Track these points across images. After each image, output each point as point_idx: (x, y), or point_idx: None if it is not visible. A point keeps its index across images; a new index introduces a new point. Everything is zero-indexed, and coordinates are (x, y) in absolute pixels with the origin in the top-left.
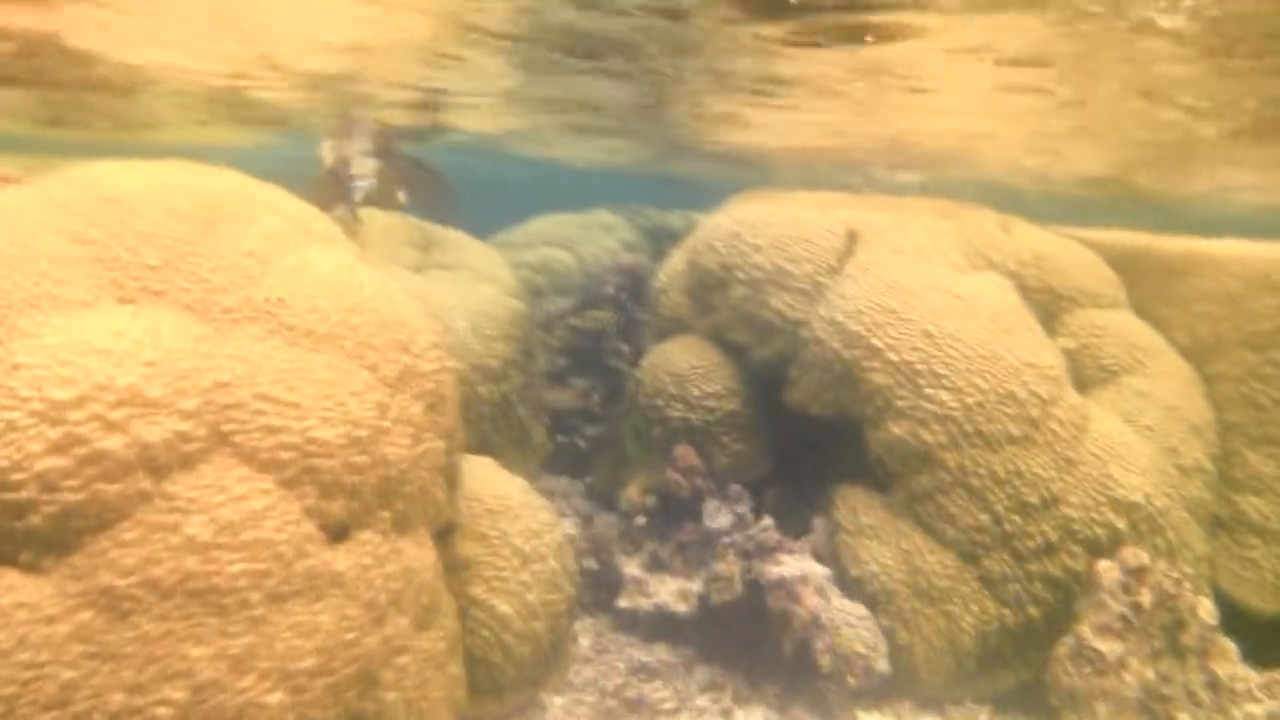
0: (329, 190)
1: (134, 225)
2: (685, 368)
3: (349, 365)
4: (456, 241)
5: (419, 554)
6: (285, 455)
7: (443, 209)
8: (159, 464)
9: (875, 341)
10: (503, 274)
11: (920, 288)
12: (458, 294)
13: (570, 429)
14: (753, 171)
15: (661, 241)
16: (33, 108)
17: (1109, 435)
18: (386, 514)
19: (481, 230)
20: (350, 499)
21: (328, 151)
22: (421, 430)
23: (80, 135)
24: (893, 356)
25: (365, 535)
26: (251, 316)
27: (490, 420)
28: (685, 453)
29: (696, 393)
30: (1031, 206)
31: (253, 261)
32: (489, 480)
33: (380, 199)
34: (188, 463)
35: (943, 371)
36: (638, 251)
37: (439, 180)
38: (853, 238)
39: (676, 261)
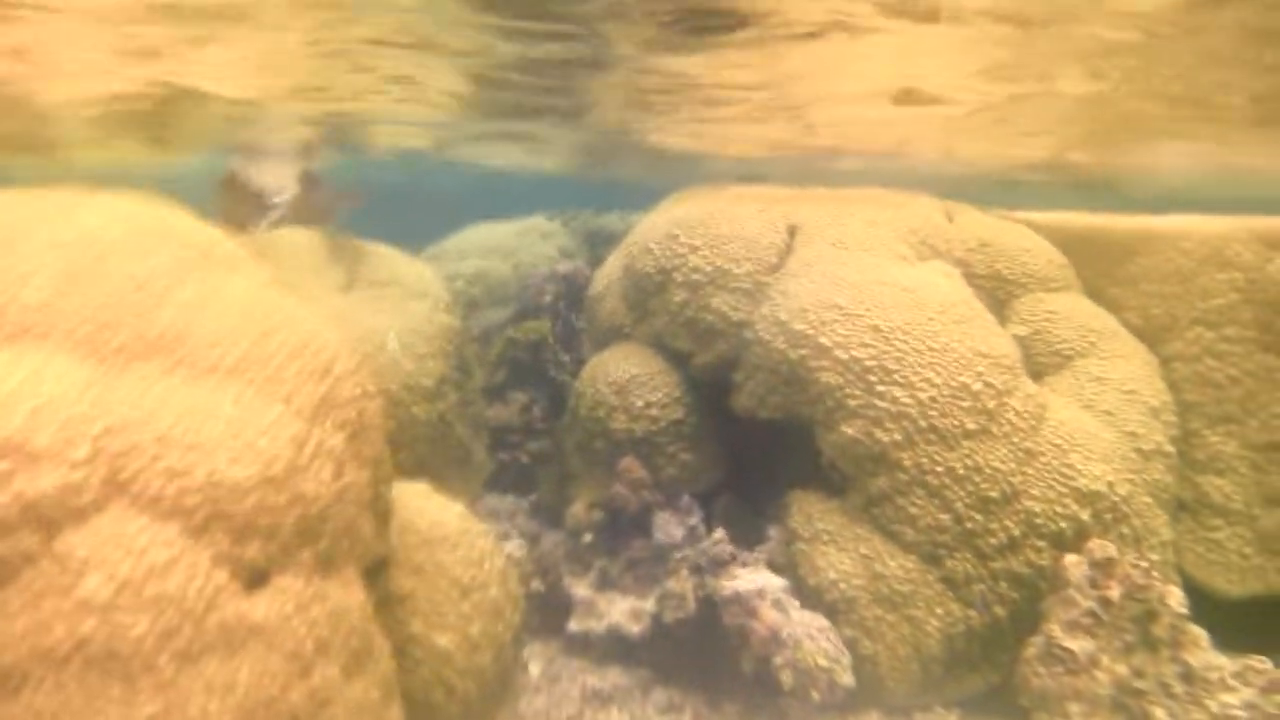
0: (239, 207)
1: (9, 262)
2: (625, 377)
3: (259, 399)
4: (385, 257)
5: (346, 594)
6: (190, 501)
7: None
8: (47, 520)
9: (822, 340)
10: (434, 289)
11: (866, 281)
12: (387, 312)
13: (512, 445)
14: (687, 169)
15: (600, 246)
16: None
17: (1068, 423)
18: (308, 554)
19: (415, 242)
20: (267, 542)
21: (237, 166)
22: (344, 462)
23: None
24: (841, 354)
25: (285, 580)
26: (147, 354)
27: (427, 441)
28: (630, 465)
29: (639, 403)
30: (973, 192)
31: (145, 295)
32: (424, 508)
33: (305, 214)
34: (80, 516)
35: (894, 367)
36: (575, 257)
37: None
38: (793, 233)
39: (612, 267)
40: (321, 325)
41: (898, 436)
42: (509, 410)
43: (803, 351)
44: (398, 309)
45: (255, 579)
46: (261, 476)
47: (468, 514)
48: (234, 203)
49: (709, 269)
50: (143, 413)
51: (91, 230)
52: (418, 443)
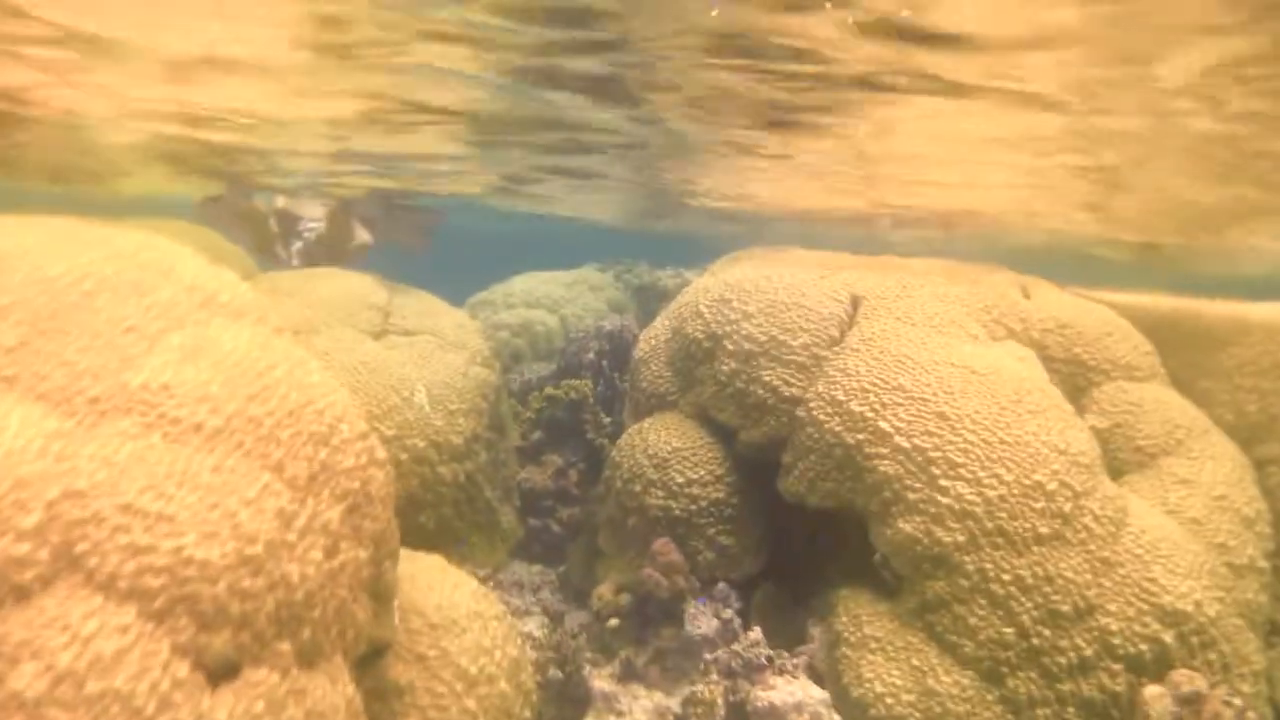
0: (269, 235)
1: None
2: (666, 450)
3: (246, 465)
4: (423, 304)
5: (331, 691)
6: (153, 581)
7: (415, 240)
8: None
9: (882, 424)
10: (473, 340)
11: (933, 362)
12: (418, 362)
13: (544, 511)
14: (745, 226)
15: (652, 302)
16: None
17: (1150, 531)
18: (287, 646)
19: (464, 289)
20: (239, 631)
21: (272, 199)
22: (339, 539)
23: (11, 184)
24: (902, 442)
25: (258, 674)
26: (124, 408)
27: (452, 504)
28: (665, 547)
29: (679, 479)
30: (1049, 267)
31: (134, 339)
32: (434, 586)
33: (334, 245)
34: (23, 595)
35: (960, 459)
36: (625, 312)
37: (415, 215)
38: (856, 304)
39: (659, 329)
40: (330, 382)
41: (961, 537)
42: (543, 473)
43: (860, 436)
44: (431, 360)
45: (222, 673)
46: (238, 556)
47: (483, 593)
48: (264, 230)
49: (762, 338)
50: (110, 475)
51: (83, 265)
52: (442, 505)
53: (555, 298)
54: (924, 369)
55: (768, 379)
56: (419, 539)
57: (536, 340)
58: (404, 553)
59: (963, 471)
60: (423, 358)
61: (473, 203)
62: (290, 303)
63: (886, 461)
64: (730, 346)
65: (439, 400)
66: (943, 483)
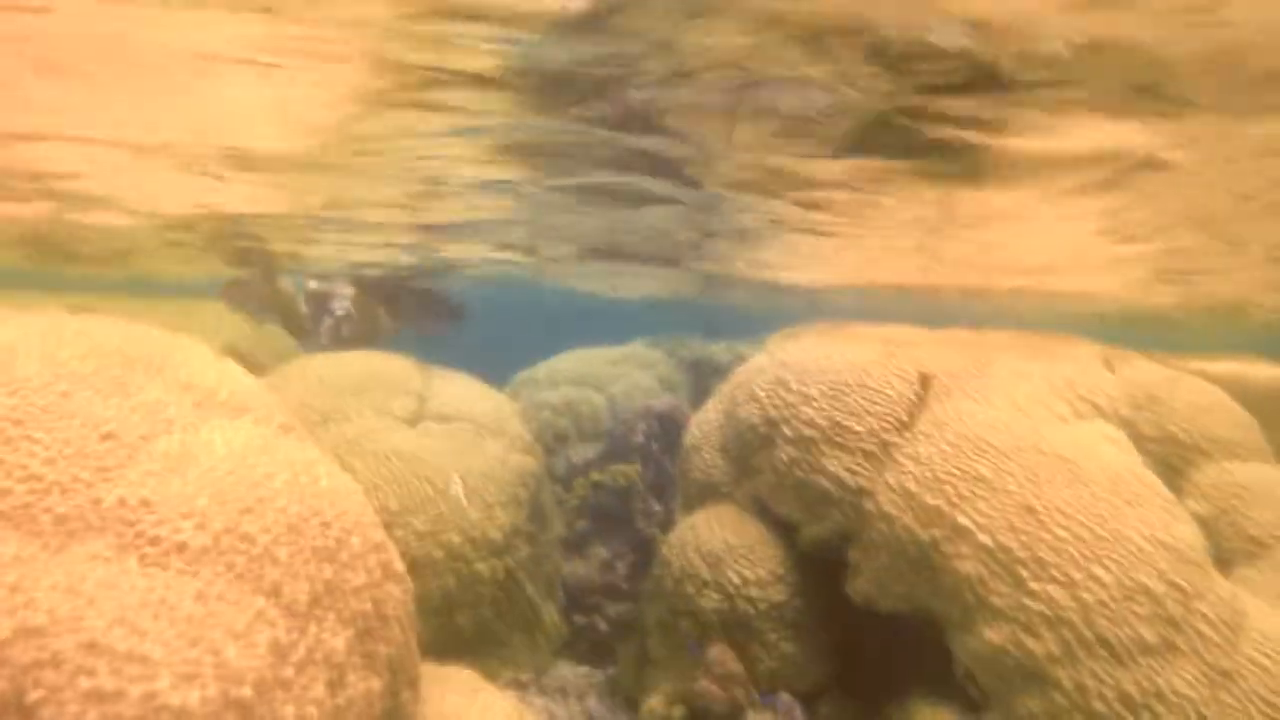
0: (292, 313)
1: None
2: (721, 546)
3: (236, 590)
4: (460, 387)
5: None
6: None
7: (437, 325)
8: None
9: (961, 519)
10: (512, 425)
11: (1015, 447)
12: (455, 451)
13: (590, 608)
14: (802, 300)
15: (705, 377)
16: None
17: (1273, 636)
18: None
19: (510, 368)
20: None
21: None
22: (346, 670)
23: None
24: (984, 539)
25: None
26: (96, 527)
27: (491, 603)
28: (722, 655)
29: (735, 578)
30: (1115, 333)
31: (111, 447)
32: (462, 711)
33: (365, 324)
34: None
35: (1050, 559)
36: (677, 389)
37: (433, 300)
38: (926, 384)
39: (710, 414)
40: (343, 487)
41: (1055, 648)
42: (589, 566)
43: (936, 532)
44: (468, 448)
45: None
46: (222, 700)
47: (519, 714)
48: (293, 311)
49: (824, 423)
50: (74, 608)
51: (58, 363)
52: (480, 604)
53: (602, 375)
54: (1005, 455)
55: (831, 468)
56: (456, 642)
57: (581, 420)
58: (429, 670)
59: (1054, 572)
60: (459, 446)
61: (518, 278)
62: (318, 389)
63: (967, 561)
64: (789, 432)
65: (476, 491)
66: (1032, 585)
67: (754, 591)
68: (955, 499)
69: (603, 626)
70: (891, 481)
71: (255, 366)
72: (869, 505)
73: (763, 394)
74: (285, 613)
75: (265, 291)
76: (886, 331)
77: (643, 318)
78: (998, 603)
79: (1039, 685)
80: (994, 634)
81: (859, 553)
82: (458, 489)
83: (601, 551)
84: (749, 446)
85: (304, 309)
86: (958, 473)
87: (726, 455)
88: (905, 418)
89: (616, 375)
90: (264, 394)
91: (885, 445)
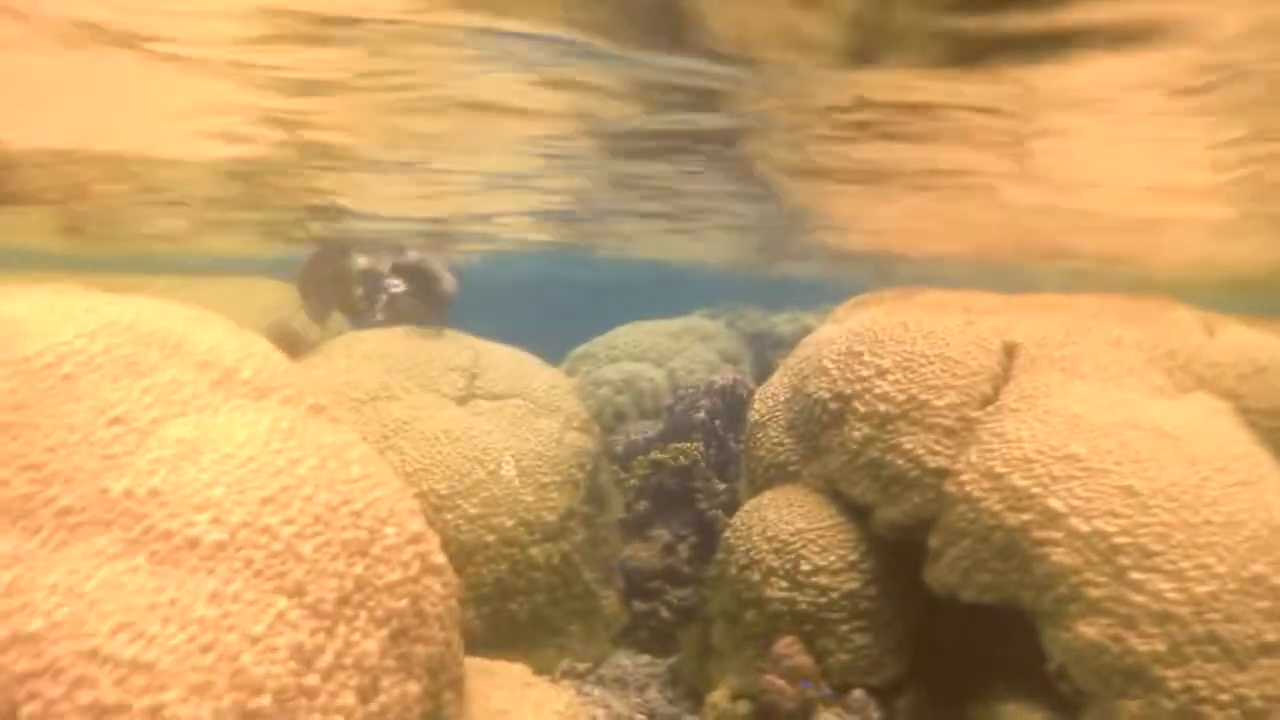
0: (350, 293)
1: None
2: (789, 532)
3: (255, 590)
4: (513, 364)
5: None
6: None
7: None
8: None
9: (1053, 502)
10: (567, 403)
11: (1112, 423)
12: (507, 430)
13: (651, 593)
14: (868, 269)
15: (767, 350)
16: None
17: None
18: None
19: (566, 344)
20: None
21: (362, 260)
22: (379, 675)
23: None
24: (1079, 524)
25: None
26: (103, 520)
27: (546, 589)
28: (790, 648)
29: (805, 566)
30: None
31: (119, 433)
32: (511, 710)
33: (418, 308)
34: None
35: (1155, 546)
36: (739, 362)
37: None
38: (1011, 354)
39: (776, 387)
40: (379, 473)
41: (1161, 646)
42: (649, 550)
43: (1025, 517)
44: (520, 426)
45: None
46: (237, 712)
47: (573, 711)
48: (343, 287)
49: (900, 398)
50: (75, 611)
51: (64, 341)
52: (535, 591)
53: (661, 349)
54: (1102, 432)
55: (908, 447)
56: (510, 630)
57: (641, 397)
58: (477, 664)
59: (1160, 562)
60: (512, 425)
61: (573, 251)
62: (364, 366)
63: (1060, 549)
64: (862, 408)
65: (530, 472)
66: (1134, 576)
67: (825, 580)
68: (1047, 480)
69: (664, 613)
70: (975, 461)
71: (308, 345)
72: (950, 487)
73: (833, 367)
74: (310, 613)
75: (335, 269)
76: (965, 297)
77: (700, 292)
78: (1096, 595)
79: (1142, 687)
80: (1091, 629)
81: (939, 538)
82: (511, 470)
83: (663, 534)
84: (818, 423)
85: (359, 289)
86: (1049, 451)
87: (794, 433)
88: (989, 391)
89: (676, 349)
90: (294, 373)
91: (968, 422)
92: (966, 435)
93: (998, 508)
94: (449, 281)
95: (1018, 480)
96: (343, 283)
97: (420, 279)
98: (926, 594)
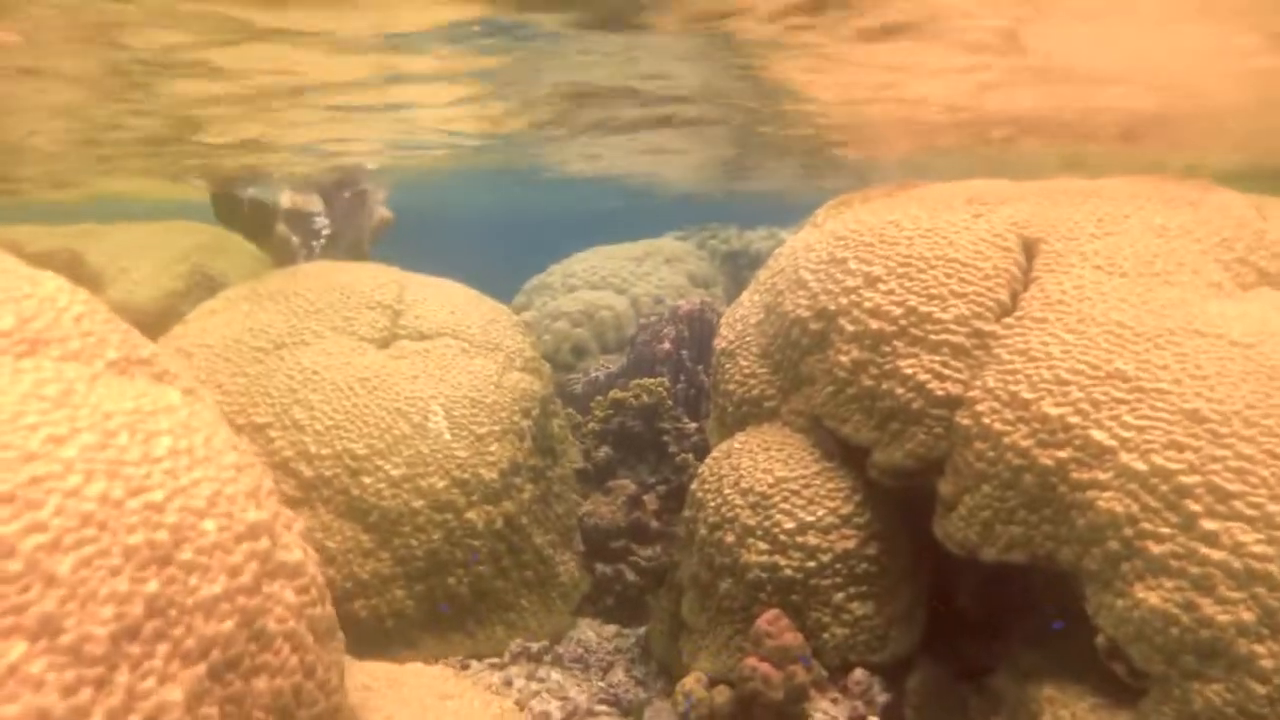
0: (275, 237)
1: None
2: (767, 481)
3: None
4: (443, 296)
5: None
6: None
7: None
8: None
9: (1097, 434)
10: (509, 339)
11: (1165, 329)
12: (435, 374)
13: (616, 554)
14: (848, 179)
15: (743, 271)
16: None
17: None
18: None
19: (521, 273)
20: None
21: (286, 198)
22: None
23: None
24: (1133, 461)
25: None
26: None
27: (490, 559)
28: (775, 623)
29: (788, 523)
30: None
31: None
32: None
33: (352, 231)
34: None
35: (1234, 486)
36: (711, 286)
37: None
38: (1031, 251)
39: (746, 308)
40: (201, 447)
41: (1247, 614)
42: (611, 504)
43: (1063, 454)
44: (451, 369)
45: None
46: None
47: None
48: (275, 236)
49: (896, 312)
50: None
51: None
52: (476, 562)
53: (624, 275)
54: (1153, 342)
55: (909, 372)
56: (452, 608)
57: (603, 329)
58: (382, 671)
59: (1241, 506)
60: (441, 367)
61: (538, 173)
62: (271, 310)
63: (1109, 493)
64: (850, 327)
65: (463, 423)
66: (1208, 525)
67: (813, 539)
68: (1087, 406)
69: (631, 576)
70: (994, 385)
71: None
72: (964, 419)
73: (812, 278)
74: (68, 660)
75: (247, 212)
76: (971, 187)
77: (668, 216)
78: (1158, 550)
79: (1224, 667)
80: (1153, 594)
81: (952, 484)
82: (440, 421)
83: (626, 484)
84: (798, 348)
85: (289, 234)
86: (1086, 369)
87: (769, 361)
88: (1007, 298)
89: (640, 274)
90: (98, 321)
91: (982, 336)
92: (981, 354)
93: (1025, 443)
94: (384, 213)
95: (1050, 407)
96: (265, 227)
97: (353, 212)
98: (938, 552)
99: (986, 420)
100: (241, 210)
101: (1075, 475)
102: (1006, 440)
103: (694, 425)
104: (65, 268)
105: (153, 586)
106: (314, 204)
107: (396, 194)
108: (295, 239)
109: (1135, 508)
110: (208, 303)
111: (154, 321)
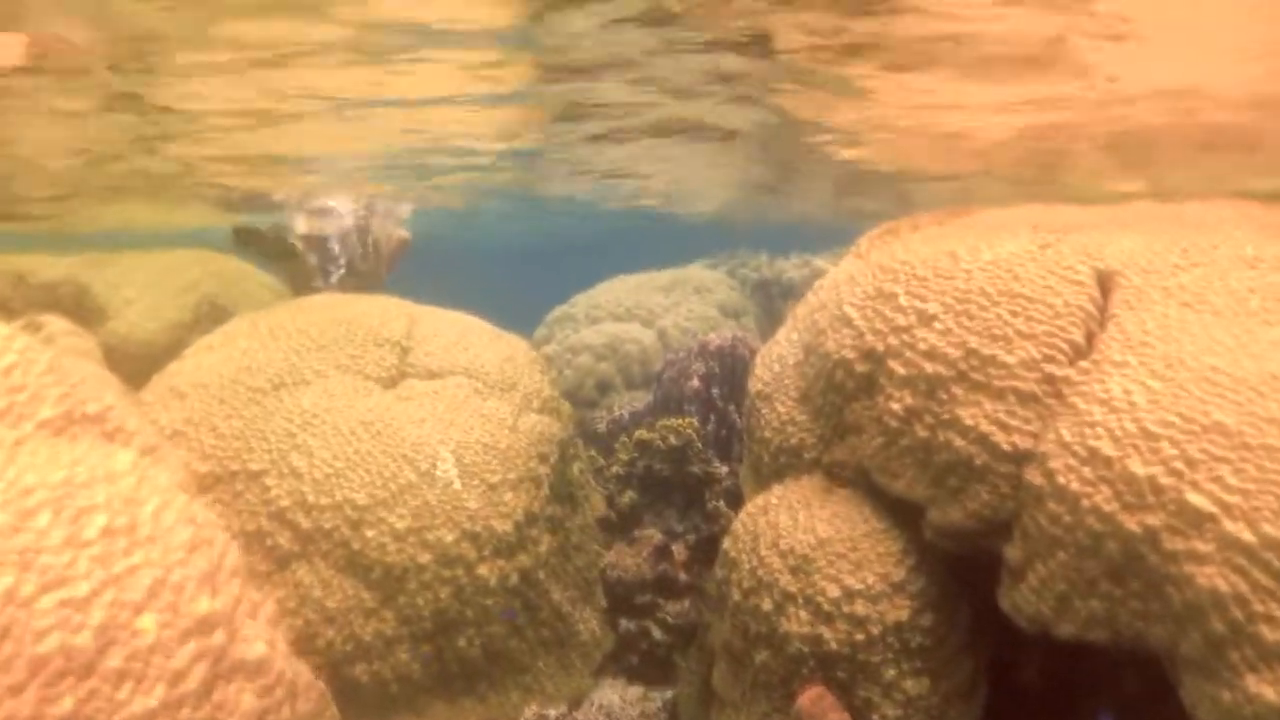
0: (298, 264)
1: None
2: (809, 543)
3: None
4: (456, 331)
5: None
6: None
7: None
8: None
9: (1194, 498)
10: (527, 378)
11: (1266, 374)
12: (444, 417)
13: (642, 609)
14: (884, 203)
15: (775, 301)
16: None
17: None
18: None
19: (546, 302)
20: None
21: (301, 223)
22: None
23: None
24: (1239, 530)
25: None
26: None
27: (502, 619)
28: (819, 702)
29: (833, 590)
30: None
31: None
32: None
33: (371, 258)
34: None
35: None
36: (742, 316)
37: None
38: (1108, 287)
39: (783, 346)
40: (146, 521)
41: None
42: (636, 555)
43: (1152, 520)
44: (462, 411)
45: None
46: None
47: None
48: (298, 262)
49: (954, 354)
50: None
51: None
52: (488, 620)
53: (651, 306)
54: (1255, 390)
55: (970, 422)
56: (459, 672)
57: (629, 364)
58: None
59: None
60: (451, 409)
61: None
62: (272, 347)
63: (1211, 567)
64: (901, 370)
65: (474, 470)
66: None
67: (862, 608)
68: (1181, 464)
69: (658, 634)
70: (1069, 439)
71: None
72: (1034, 477)
73: (857, 315)
74: None
75: (271, 237)
76: (1035, 213)
77: (696, 242)
78: (1271, 637)
79: None
80: (1269, 688)
81: (1021, 549)
82: (449, 469)
83: (653, 533)
84: (841, 393)
85: (310, 258)
86: (1179, 421)
87: (809, 406)
88: (1081, 339)
89: (667, 305)
90: (34, 373)
91: (1053, 382)
92: (1054, 403)
93: (1108, 506)
94: (401, 234)
95: (1136, 466)
96: (283, 251)
97: (368, 236)
98: (1000, 620)
99: (1061, 479)
100: (262, 236)
101: (1169, 545)
102: (1085, 502)
103: (725, 469)
104: (70, 299)
105: (66, 705)
106: (330, 227)
107: (415, 220)
108: (313, 260)
109: (1244, 585)
110: (206, 338)
111: (160, 354)
